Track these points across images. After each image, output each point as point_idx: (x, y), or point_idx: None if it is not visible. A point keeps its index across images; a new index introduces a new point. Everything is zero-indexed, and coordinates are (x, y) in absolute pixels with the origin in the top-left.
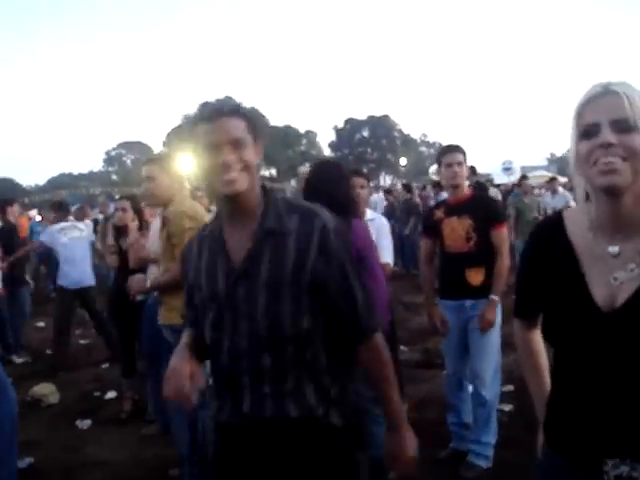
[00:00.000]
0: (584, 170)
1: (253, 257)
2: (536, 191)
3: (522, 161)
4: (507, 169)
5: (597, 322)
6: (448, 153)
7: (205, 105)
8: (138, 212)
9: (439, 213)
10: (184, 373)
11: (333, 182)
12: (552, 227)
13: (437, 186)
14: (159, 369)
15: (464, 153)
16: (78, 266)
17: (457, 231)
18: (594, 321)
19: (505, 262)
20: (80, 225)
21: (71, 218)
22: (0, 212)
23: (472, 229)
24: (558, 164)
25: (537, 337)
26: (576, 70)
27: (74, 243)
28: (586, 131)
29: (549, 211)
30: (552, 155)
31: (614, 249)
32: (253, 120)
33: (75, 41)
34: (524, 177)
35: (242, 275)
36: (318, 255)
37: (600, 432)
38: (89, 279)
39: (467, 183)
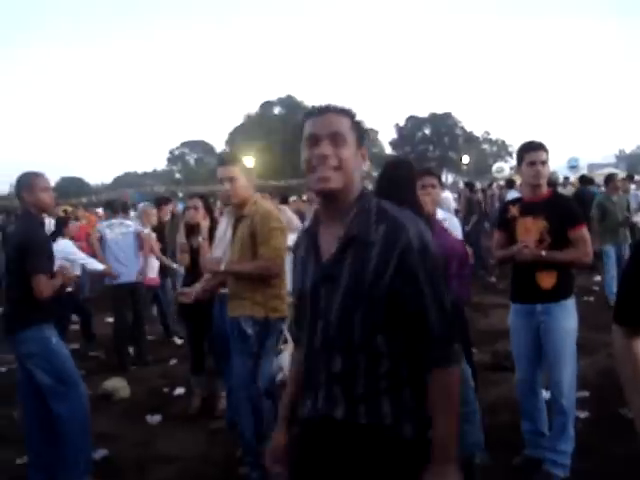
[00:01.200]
0: None
1: (336, 261)
2: (602, 189)
3: (589, 158)
4: (573, 167)
5: None
6: (532, 151)
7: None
8: (209, 211)
9: (514, 210)
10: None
11: (401, 184)
12: None
13: (508, 185)
14: (228, 365)
15: (547, 151)
16: (124, 262)
17: (531, 232)
18: None
19: (586, 250)
20: (127, 222)
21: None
22: (157, 210)
23: (546, 231)
24: (628, 161)
25: (638, 346)
26: None
27: (120, 239)
28: None
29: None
30: (621, 152)
31: None
32: (359, 122)
33: (140, 39)
34: (611, 175)
35: (324, 277)
36: (395, 273)
37: None
38: (134, 275)
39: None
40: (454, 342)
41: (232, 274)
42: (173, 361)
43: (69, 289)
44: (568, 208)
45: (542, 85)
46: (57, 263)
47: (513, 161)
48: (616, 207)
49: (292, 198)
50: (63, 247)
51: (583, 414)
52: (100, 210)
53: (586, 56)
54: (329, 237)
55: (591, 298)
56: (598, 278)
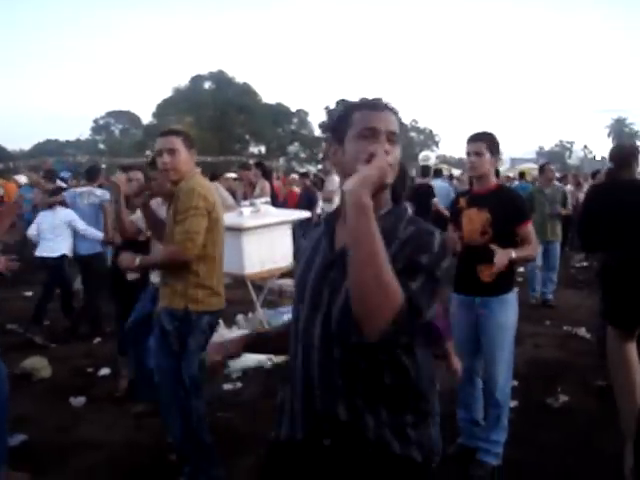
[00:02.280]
0: None
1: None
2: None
3: (511, 152)
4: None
5: None
6: (469, 142)
7: (367, 99)
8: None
9: (462, 202)
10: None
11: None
12: None
13: (435, 174)
14: (140, 351)
15: (488, 141)
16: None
17: (474, 223)
18: None
19: (534, 247)
20: (97, 191)
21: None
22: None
23: (489, 224)
24: (547, 157)
25: (633, 350)
26: (569, 61)
27: (86, 209)
28: None
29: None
30: (541, 148)
31: None
32: (403, 124)
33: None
34: (544, 166)
35: (335, 262)
36: (403, 267)
37: None
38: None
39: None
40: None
41: (149, 267)
42: (97, 339)
43: None
44: (514, 203)
45: (471, 78)
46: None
47: (439, 150)
48: (546, 200)
49: (230, 175)
50: (64, 216)
51: (513, 403)
52: (21, 178)
53: (514, 51)
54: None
55: (516, 289)
56: (522, 269)
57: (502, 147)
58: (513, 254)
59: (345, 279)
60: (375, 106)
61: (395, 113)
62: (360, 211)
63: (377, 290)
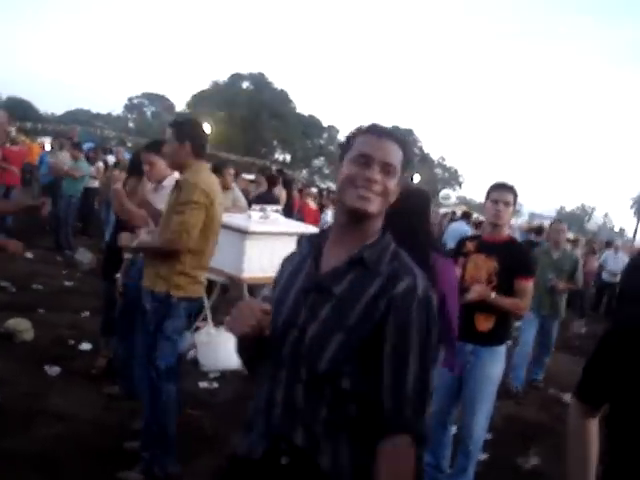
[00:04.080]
0: None
1: (336, 275)
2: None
3: (531, 206)
4: (516, 210)
5: None
6: (498, 189)
7: (374, 124)
8: None
9: (470, 246)
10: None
11: (418, 214)
12: None
13: (464, 216)
14: (129, 332)
15: (515, 194)
16: None
17: (480, 270)
18: None
19: (525, 304)
20: None
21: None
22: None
23: (495, 272)
24: (566, 219)
25: (594, 427)
26: (606, 129)
27: None
28: None
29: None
30: (562, 208)
31: None
32: (409, 155)
33: None
34: (556, 222)
35: (318, 286)
36: (386, 312)
37: None
38: None
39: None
40: (421, 417)
41: (143, 250)
42: (85, 313)
43: None
44: (522, 257)
45: (506, 127)
46: None
47: (461, 191)
48: (551, 266)
49: (248, 176)
50: None
51: (482, 456)
52: (46, 140)
53: (555, 109)
54: (337, 251)
55: (509, 342)
56: (517, 323)
57: (522, 200)
58: (492, 295)
59: (326, 304)
60: (377, 133)
61: (400, 143)
62: None
63: None
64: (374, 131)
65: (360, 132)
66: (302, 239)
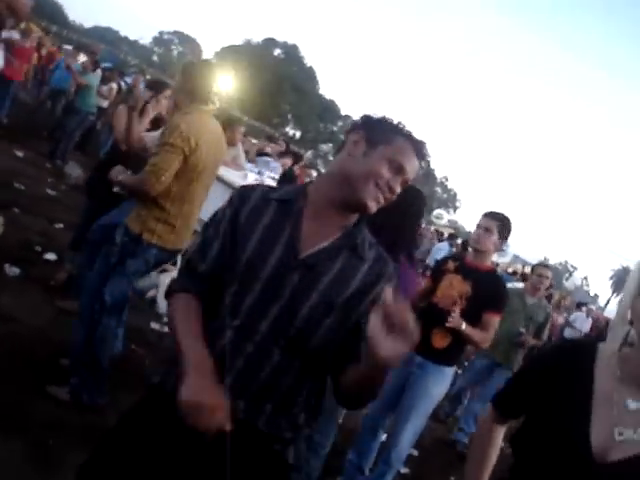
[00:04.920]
0: None
1: (326, 256)
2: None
3: (517, 250)
4: (500, 250)
5: (583, 466)
6: (484, 216)
7: (416, 138)
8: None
9: (451, 265)
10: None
11: (413, 213)
12: (582, 352)
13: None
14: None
15: (502, 224)
16: None
17: (452, 289)
18: (581, 464)
19: (487, 341)
20: None
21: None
22: None
23: (465, 297)
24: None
25: (500, 435)
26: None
27: None
28: None
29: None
30: (546, 259)
31: (633, 405)
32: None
33: None
34: (541, 265)
35: (306, 265)
36: (372, 301)
37: None
38: None
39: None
40: None
41: (122, 186)
42: (59, 225)
43: None
44: (498, 291)
45: (511, 165)
46: None
47: (454, 215)
48: (522, 312)
49: (253, 140)
50: None
51: (404, 469)
52: (68, 49)
53: (566, 159)
54: (317, 228)
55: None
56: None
57: (510, 241)
58: (463, 326)
59: (316, 286)
60: (415, 149)
61: (424, 160)
62: None
63: None
64: (415, 146)
65: (402, 134)
66: (265, 191)
